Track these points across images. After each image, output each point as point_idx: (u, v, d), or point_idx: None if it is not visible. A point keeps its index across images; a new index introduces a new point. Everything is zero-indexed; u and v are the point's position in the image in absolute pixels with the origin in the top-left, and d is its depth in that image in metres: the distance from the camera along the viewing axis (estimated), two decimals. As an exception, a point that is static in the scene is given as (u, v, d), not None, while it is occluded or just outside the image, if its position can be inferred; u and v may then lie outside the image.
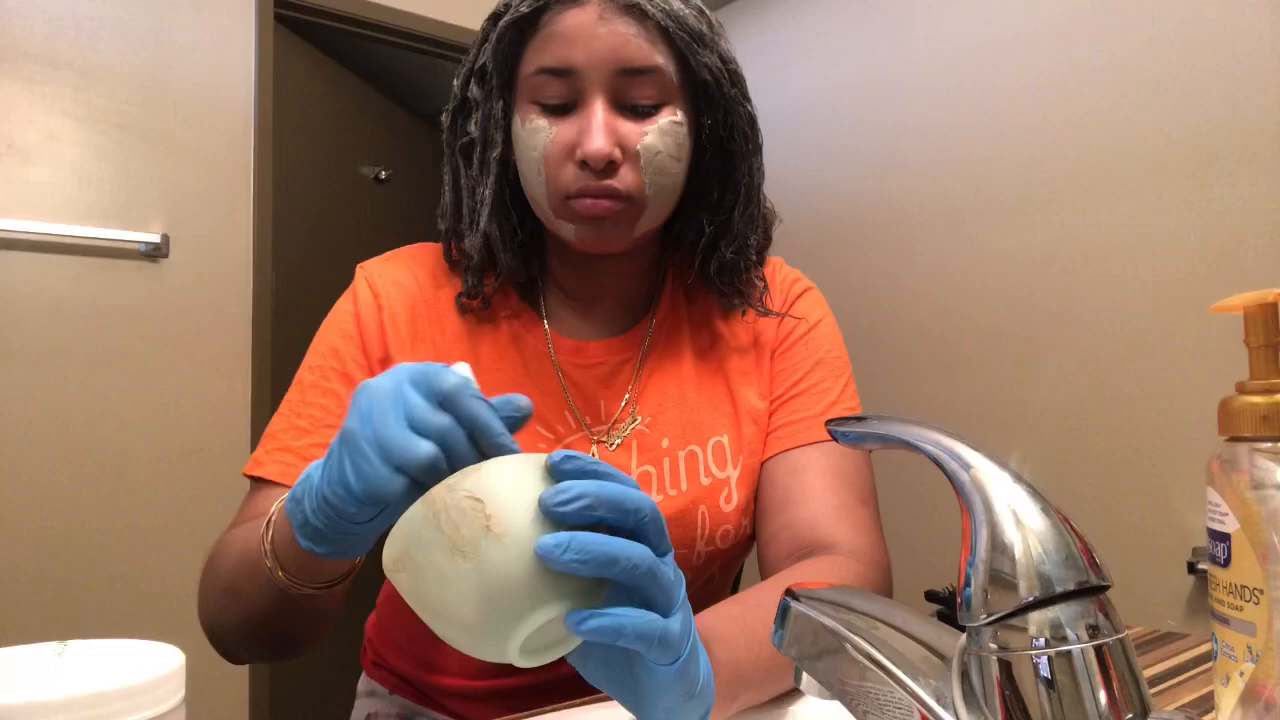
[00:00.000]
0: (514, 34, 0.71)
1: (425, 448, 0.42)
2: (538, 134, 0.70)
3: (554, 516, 0.39)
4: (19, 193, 2.03)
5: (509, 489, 0.39)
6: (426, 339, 0.76)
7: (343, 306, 0.79)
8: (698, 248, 0.77)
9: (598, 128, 0.67)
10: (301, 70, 2.57)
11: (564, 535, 0.38)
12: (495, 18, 0.73)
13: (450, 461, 0.43)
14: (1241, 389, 0.44)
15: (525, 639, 0.39)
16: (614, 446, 0.76)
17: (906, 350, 2.30)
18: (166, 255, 2.19)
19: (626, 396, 0.77)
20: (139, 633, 0.48)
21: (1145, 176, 1.81)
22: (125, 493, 2.11)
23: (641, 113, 0.70)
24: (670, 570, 0.42)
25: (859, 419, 0.39)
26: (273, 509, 0.55)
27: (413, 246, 0.84)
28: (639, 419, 0.77)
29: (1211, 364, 1.67)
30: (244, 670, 2.22)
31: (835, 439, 0.40)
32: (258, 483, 0.72)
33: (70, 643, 0.41)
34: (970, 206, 2.16)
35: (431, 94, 3.40)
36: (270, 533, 0.55)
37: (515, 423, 0.46)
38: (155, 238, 2.15)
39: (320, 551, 0.49)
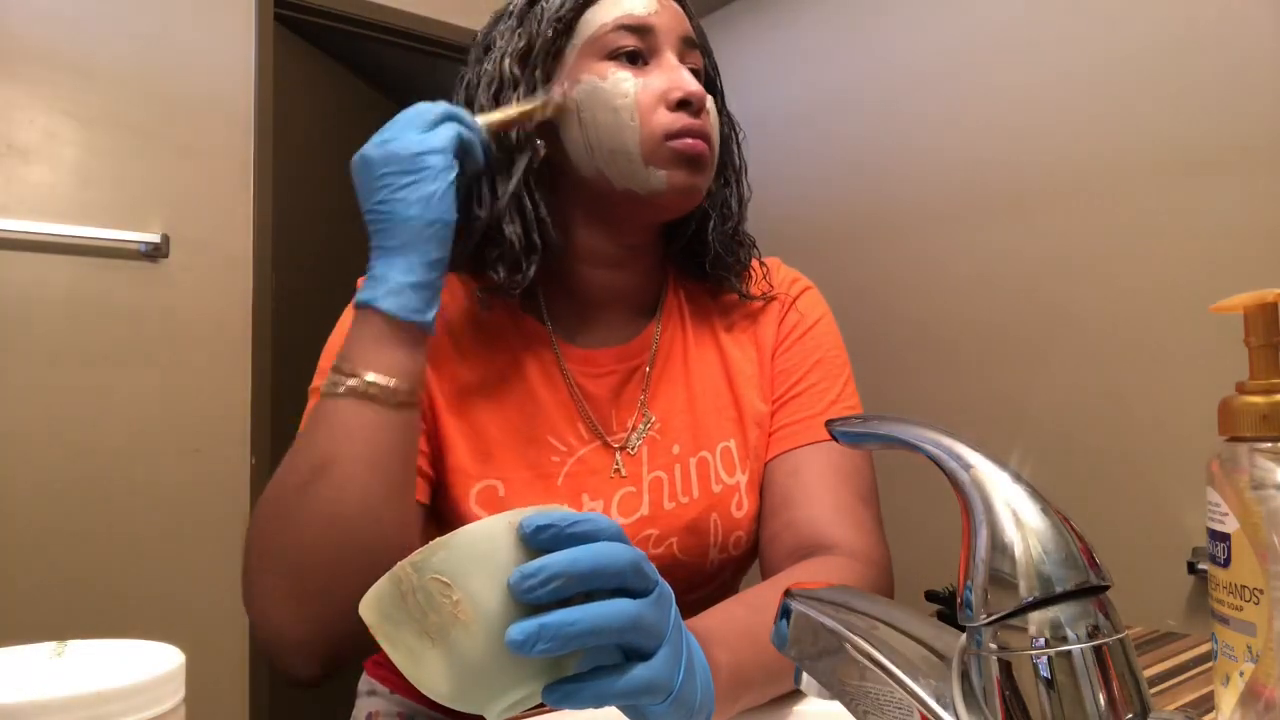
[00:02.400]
0: (574, 6, 0.73)
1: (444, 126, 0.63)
2: (625, 82, 0.71)
3: (525, 601, 0.38)
4: (19, 193, 2.03)
5: (478, 567, 0.38)
6: (442, 354, 0.74)
7: (346, 320, 0.77)
8: (700, 239, 0.80)
9: (688, 75, 0.72)
10: (301, 70, 2.57)
11: (533, 624, 0.37)
12: (534, 2, 0.75)
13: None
14: (1241, 389, 0.44)
15: (501, 710, 0.39)
16: (634, 450, 0.75)
17: (906, 351, 2.30)
18: (166, 255, 2.18)
19: (640, 400, 0.77)
20: (139, 633, 0.48)
21: (1145, 176, 1.81)
22: (125, 493, 2.11)
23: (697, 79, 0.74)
24: (651, 607, 0.42)
25: (859, 419, 0.39)
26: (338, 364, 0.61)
27: None
28: (652, 420, 0.76)
29: (1211, 364, 1.67)
30: (244, 670, 2.22)
31: (835, 439, 0.40)
32: None
33: (70, 643, 0.41)
34: (970, 206, 2.16)
35: (431, 94, 3.39)
36: (355, 351, 0.60)
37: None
38: (155, 238, 2.15)
39: (428, 318, 0.61)
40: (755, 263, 0.83)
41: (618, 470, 0.74)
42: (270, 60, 2.36)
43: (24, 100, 2.04)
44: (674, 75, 0.71)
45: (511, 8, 0.76)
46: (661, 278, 0.83)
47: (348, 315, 0.78)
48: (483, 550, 0.38)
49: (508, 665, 0.38)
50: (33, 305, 2.03)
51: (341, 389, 0.59)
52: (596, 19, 0.72)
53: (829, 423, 0.40)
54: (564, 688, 0.39)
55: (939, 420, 0.35)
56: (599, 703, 0.40)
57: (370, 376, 0.58)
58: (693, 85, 0.71)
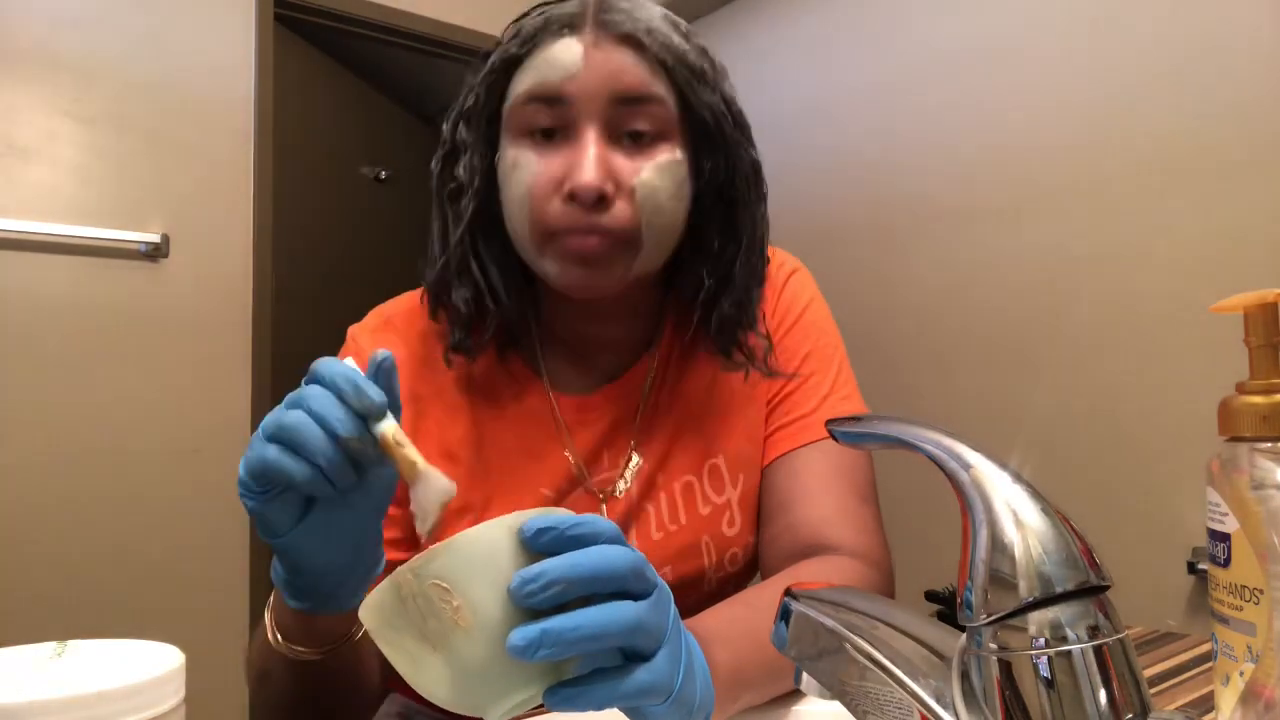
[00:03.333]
0: (503, 67, 0.66)
1: (291, 414, 0.44)
2: (523, 168, 0.64)
3: (525, 606, 0.38)
4: (19, 193, 2.03)
5: (478, 572, 0.38)
6: (429, 415, 0.72)
7: None
8: (697, 301, 0.71)
9: (589, 159, 0.62)
10: (301, 70, 2.57)
11: (535, 630, 0.37)
12: (485, 56, 0.69)
13: (319, 419, 0.44)
14: (1241, 389, 0.44)
15: (502, 714, 0.40)
16: (620, 494, 0.73)
17: (906, 351, 2.30)
18: (166, 255, 2.19)
19: (630, 444, 0.75)
20: (139, 633, 0.48)
21: (1145, 177, 1.81)
22: (124, 493, 2.11)
23: (639, 144, 0.65)
24: (651, 609, 0.42)
25: (859, 419, 0.39)
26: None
27: (405, 307, 0.77)
28: (639, 464, 0.74)
29: (1211, 364, 1.66)
30: (243, 669, 2.22)
31: (835, 439, 0.40)
32: None
33: (70, 643, 0.41)
34: (970, 207, 2.16)
35: (431, 94, 3.40)
36: (273, 604, 0.56)
37: (382, 375, 0.46)
38: (155, 238, 2.15)
39: (299, 606, 0.51)
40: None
41: (603, 510, 0.73)
42: (270, 60, 2.36)
43: (24, 100, 2.04)
44: (575, 160, 0.63)
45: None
46: (659, 313, 0.78)
47: (347, 346, 0.76)
48: (483, 555, 0.38)
49: (508, 670, 0.38)
50: (33, 305, 2.03)
51: (270, 626, 0.56)
52: (516, 87, 0.66)
53: (829, 423, 0.40)
54: (565, 691, 0.39)
55: (939, 420, 0.35)
56: (600, 705, 0.39)
57: (281, 640, 0.55)
58: (584, 176, 0.61)
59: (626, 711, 0.44)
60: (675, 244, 0.70)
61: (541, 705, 0.40)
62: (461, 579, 0.37)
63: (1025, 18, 2.04)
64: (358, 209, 2.82)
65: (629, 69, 0.64)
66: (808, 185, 2.56)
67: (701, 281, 0.71)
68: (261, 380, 2.31)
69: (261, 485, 0.45)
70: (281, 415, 0.45)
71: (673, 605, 0.45)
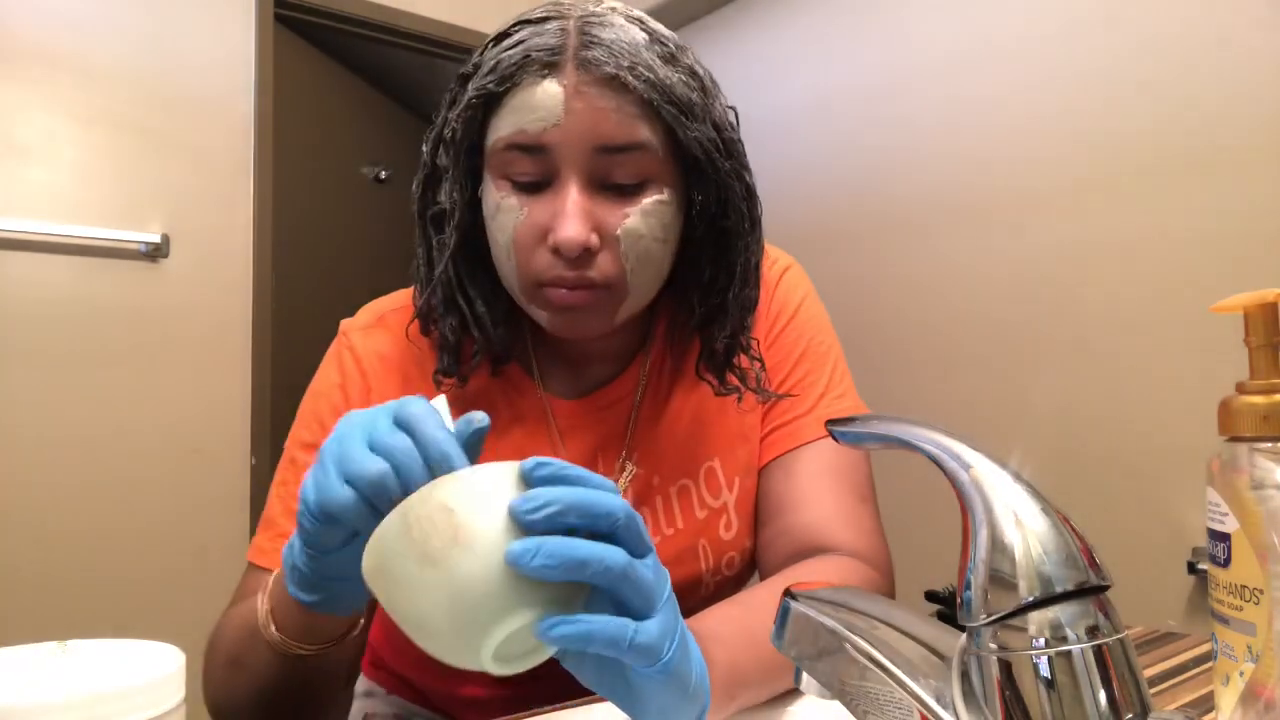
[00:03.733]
0: (481, 103, 0.64)
1: (375, 464, 0.43)
2: (507, 214, 0.63)
3: (524, 524, 0.39)
4: (19, 193, 2.03)
5: (481, 497, 0.40)
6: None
7: (329, 378, 0.74)
8: (689, 322, 0.71)
9: (571, 212, 0.60)
10: (301, 70, 2.57)
11: (533, 541, 0.38)
12: (463, 79, 0.66)
13: (403, 482, 0.43)
14: (1241, 389, 0.44)
15: (498, 646, 0.40)
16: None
17: (905, 350, 2.30)
18: (166, 255, 2.19)
19: (622, 452, 0.74)
20: (139, 633, 0.48)
21: (1145, 176, 1.81)
22: (125, 493, 2.11)
23: (623, 192, 0.63)
24: (649, 571, 0.42)
25: (858, 419, 0.39)
26: (274, 573, 0.56)
27: (399, 304, 0.77)
28: (634, 471, 0.74)
29: (1211, 364, 1.66)
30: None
31: (835, 439, 0.40)
32: (258, 570, 0.68)
33: (70, 642, 0.41)
34: (969, 206, 2.16)
35: (431, 94, 3.39)
36: (269, 591, 0.55)
37: (474, 440, 0.46)
38: (155, 238, 2.15)
39: (308, 600, 0.50)
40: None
41: None
42: (270, 60, 2.36)
43: (24, 100, 2.04)
44: (558, 211, 0.61)
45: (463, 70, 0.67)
46: (650, 320, 0.77)
47: (325, 372, 0.75)
48: (487, 483, 0.40)
49: (507, 588, 0.39)
50: (33, 305, 2.03)
51: (265, 619, 0.56)
52: (496, 128, 0.63)
53: (828, 423, 0.40)
54: (558, 620, 0.39)
55: (939, 420, 0.35)
56: (585, 643, 0.40)
57: (276, 634, 0.55)
58: (566, 231, 0.60)
59: (619, 689, 0.44)
60: (663, 284, 0.69)
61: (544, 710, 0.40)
62: (465, 502, 0.39)
63: (1025, 17, 2.04)
64: (358, 209, 2.82)
65: (611, 117, 0.61)
66: (805, 184, 2.56)
67: (694, 308, 0.70)
68: (261, 380, 2.31)
69: (326, 519, 0.45)
70: (363, 460, 0.43)
71: (669, 585, 0.45)
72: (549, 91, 0.60)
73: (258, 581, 0.65)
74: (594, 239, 0.62)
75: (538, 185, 0.63)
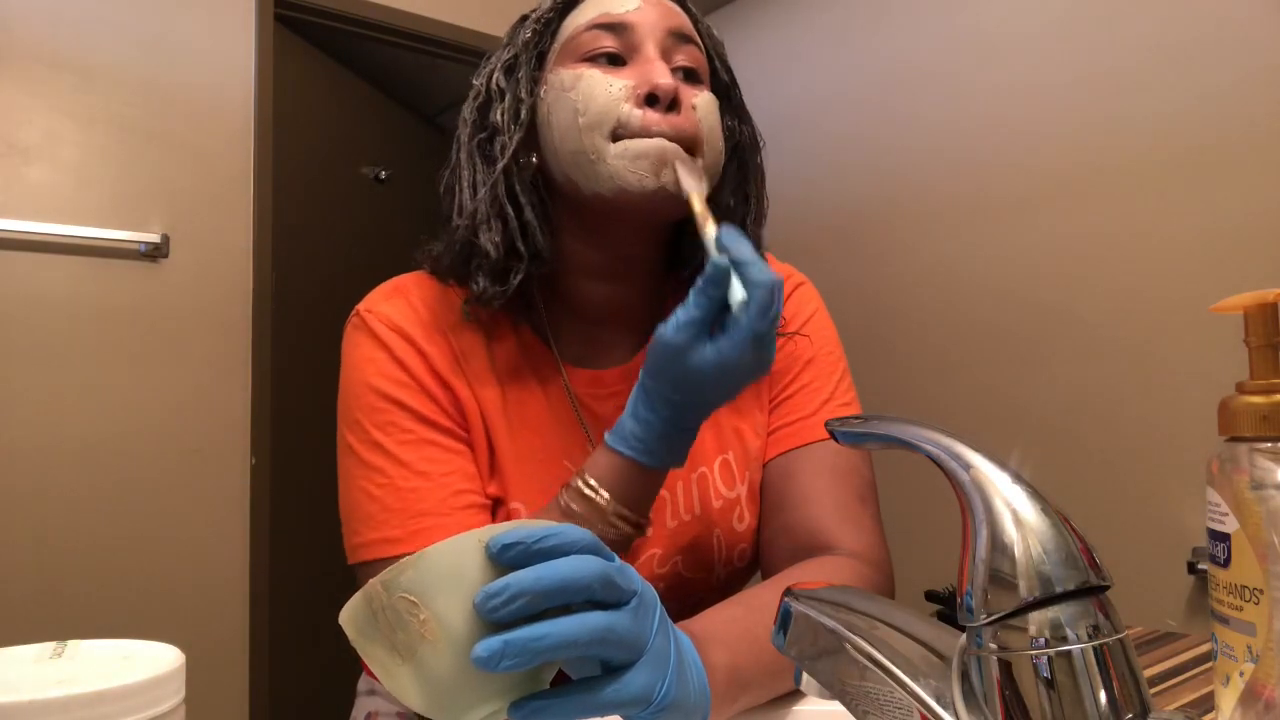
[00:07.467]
0: (557, 8, 0.71)
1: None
2: (587, 78, 0.67)
3: (490, 620, 0.38)
4: (19, 193, 2.03)
5: (445, 587, 0.38)
6: (458, 375, 0.71)
7: (369, 354, 0.71)
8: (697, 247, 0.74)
9: (663, 68, 0.67)
10: (301, 70, 2.57)
11: (498, 641, 0.37)
12: (525, 17, 0.73)
13: None
14: (1241, 389, 0.44)
15: None
16: None
17: (906, 350, 2.30)
18: (166, 255, 2.18)
19: None
20: (139, 633, 0.48)
21: (1145, 176, 1.81)
22: (125, 493, 2.11)
23: (689, 77, 0.70)
24: (628, 619, 0.42)
25: (859, 419, 0.39)
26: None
27: (401, 281, 0.77)
28: None
29: (1211, 364, 1.66)
30: (244, 670, 2.22)
31: (835, 439, 0.40)
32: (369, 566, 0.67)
33: (70, 642, 0.41)
34: (970, 206, 2.16)
35: (431, 94, 3.40)
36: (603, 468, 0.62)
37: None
38: (155, 238, 2.15)
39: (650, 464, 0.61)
40: None
41: None
42: (270, 60, 2.36)
43: (24, 100, 2.04)
44: (645, 69, 0.67)
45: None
46: (661, 297, 0.79)
47: (360, 353, 0.72)
48: (450, 569, 0.38)
49: (475, 682, 0.38)
50: (33, 305, 2.03)
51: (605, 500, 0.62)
52: (574, 22, 0.70)
53: (829, 423, 0.40)
54: (531, 704, 0.39)
55: (939, 420, 0.35)
56: (570, 717, 0.39)
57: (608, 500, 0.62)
58: (661, 78, 0.66)
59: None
60: (714, 182, 0.72)
61: None
62: (429, 593, 0.38)
63: (1025, 17, 2.04)
64: (358, 209, 2.82)
65: (678, 13, 0.71)
66: (806, 185, 2.56)
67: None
68: (261, 380, 2.31)
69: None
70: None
71: (659, 610, 0.45)
72: None
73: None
74: (684, 90, 0.68)
75: (618, 59, 0.69)
